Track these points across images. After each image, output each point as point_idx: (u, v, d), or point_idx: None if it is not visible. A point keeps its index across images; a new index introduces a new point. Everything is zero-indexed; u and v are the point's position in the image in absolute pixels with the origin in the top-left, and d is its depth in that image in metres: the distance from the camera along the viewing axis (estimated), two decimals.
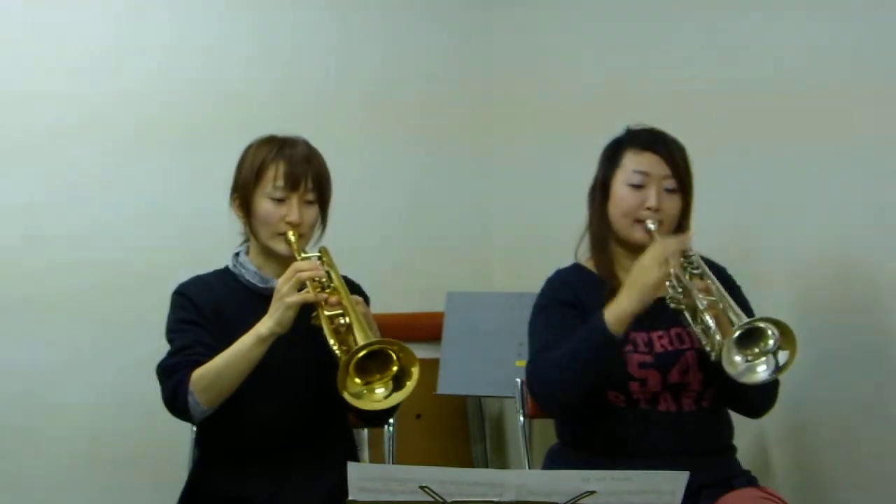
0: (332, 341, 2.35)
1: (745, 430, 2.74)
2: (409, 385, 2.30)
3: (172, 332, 2.57)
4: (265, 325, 2.41)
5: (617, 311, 2.42)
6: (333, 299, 2.41)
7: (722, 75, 3.23)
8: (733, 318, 2.33)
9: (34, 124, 3.30)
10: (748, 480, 2.60)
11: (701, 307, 2.37)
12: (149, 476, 3.34)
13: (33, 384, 3.28)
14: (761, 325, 2.31)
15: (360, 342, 2.27)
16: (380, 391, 2.31)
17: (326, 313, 2.39)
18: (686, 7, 3.38)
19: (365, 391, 2.29)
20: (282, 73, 3.70)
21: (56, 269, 3.32)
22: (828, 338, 2.99)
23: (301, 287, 2.41)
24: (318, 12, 3.79)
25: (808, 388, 2.99)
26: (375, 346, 2.27)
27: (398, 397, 2.31)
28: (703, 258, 2.69)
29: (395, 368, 2.30)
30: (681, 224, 2.63)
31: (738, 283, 2.71)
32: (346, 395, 2.25)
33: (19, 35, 3.30)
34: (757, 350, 2.32)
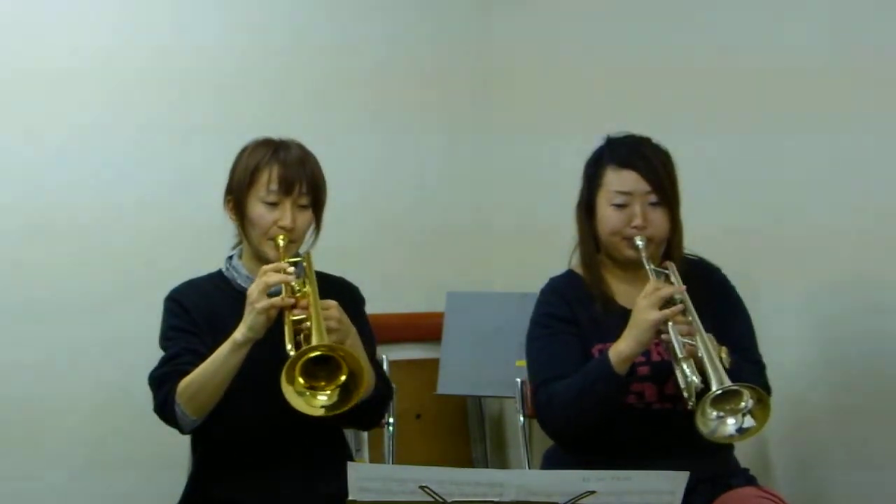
0: (289, 345, 2.35)
1: None
2: (352, 402, 2.30)
3: (164, 339, 2.58)
4: (240, 332, 2.42)
5: (618, 353, 2.44)
6: (303, 303, 2.41)
7: (727, 74, 3.22)
8: (711, 374, 2.32)
9: (32, 126, 3.30)
10: (747, 479, 2.60)
11: (680, 355, 2.38)
12: (149, 479, 3.33)
13: (33, 386, 3.28)
14: (736, 388, 2.31)
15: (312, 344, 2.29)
16: (322, 398, 2.31)
17: (292, 318, 2.40)
18: None
19: (307, 393, 2.30)
20: (278, 67, 3.70)
21: (56, 271, 3.31)
22: (827, 338, 2.99)
23: (275, 292, 2.42)
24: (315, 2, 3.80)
25: (808, 387, 2.99)
26: (323, 351, 2.28)
27: (331, 413, 2.31)
28: (700, 259, 2.70)
29: (343, 378, 2.31)
30: (671, 234, 2.60)
31: (742, 285, 2.70)
32: (287, 391, 2.25)
33: (15, 34, 3.30)
34: (729, 407, 2.33)
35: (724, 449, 2.64)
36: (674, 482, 2.02)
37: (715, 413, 2.32)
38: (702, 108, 3.26)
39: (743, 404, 2.32)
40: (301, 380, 2.28)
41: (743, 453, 2.71)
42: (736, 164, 3.19)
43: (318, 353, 2.28)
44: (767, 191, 3.13)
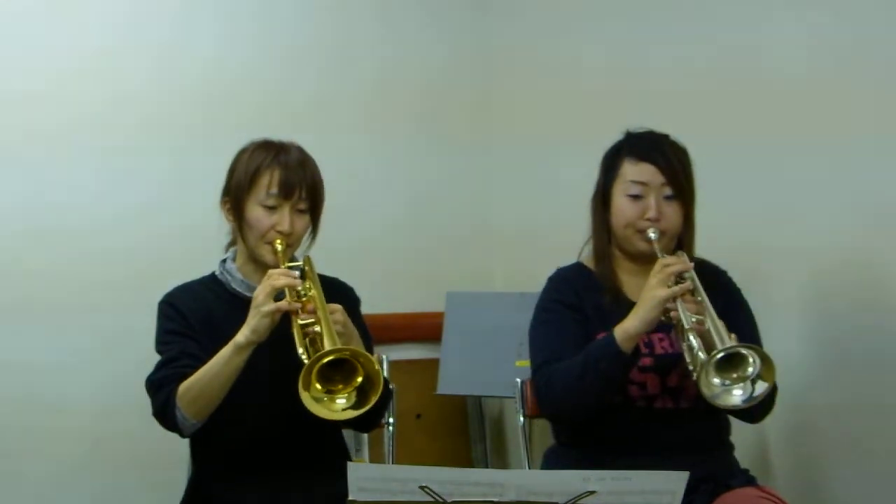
0: (300, 350, 2.35)
1: (744, 429, 2.74)
2: (371, 402, 2.30)
3: (160, 343, 2.58)
4: (242, 334, 2.42)
5: (624, 330, 2.45)
6: (309, 307, 2.41)
7: (726, 75, 3.22)
8: (716, 340, 2.34)
9: (32, 126, 3.30)
10: (747, 480, 2.60)
11: (687, 326, 2.39)
12: (149, 480, 3.33)
13: (33, 386, 3.27)
14: (743, 351, 2.33)
15: (328, 349, 2.28)
16: (340, 401, 2.31)
17: (300, 322, 2.39)
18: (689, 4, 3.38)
19: (325, 398, 2.30)
20: (280, 73, 3.70)
21: (56, 270, 3.31)
22: (829, 337, 2.99)
23: (279, 296, 2.42)
24: (317, 11, 3.79)
25: (808, 388, 2.99)
26: (340, 354, 2.28)
27: (353, 413, 2.31)
28: (704, 260, 2.71)
29: (359, 380, 2.31)
30: (684, 230, 2.63)
31: (743, 283, 2.71)
32: (304, 398, 2.25)
33: (13, 35, 3.30)
34: (736, 375, 2.35)
35: (724, 449, 2.65)
36: (674, 482, 2.02)
37: (719, 380, 2.33)
38: (703, 109, 3.26)
39: (750, 370, 2.34)
40: (318, 385, 2.28)
41: (743, 453, 2.72)
42: (737, 161, 3.19)
43: (334, 357, 2.27)
44: (768, 187, 3.13)
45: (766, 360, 2.33)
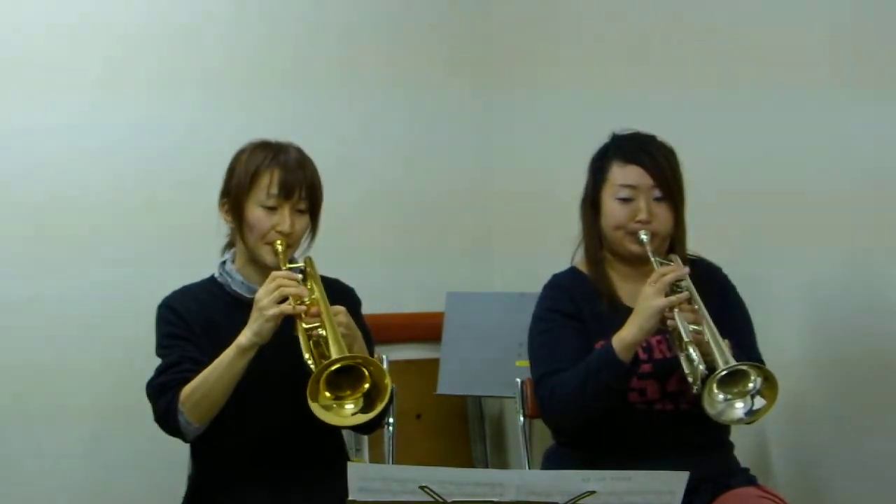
0: (306, 355, 2.35)
1: (745, 429, 2.73)
2: (379, 406, 2.30)
3: (160, 347, 2.57)
4: (245, 336, 2.41)
5: (621, 340, 2.45)
6: (313, 310, 2.40)
7: (731, 77, 3.23)
8: (716, 354, 2.34)
9: (33, 124, 3.30)
10: (747, 479, 2.61)
11: (686, 339, 2.39)
12: (149, 481, 3.33)
13: (34, 386, 3.27)
14: (744, 368, 2.33)
15: (335, 356, 2.27)
16: (349, 407, 2.31)
17: (304, 326, 2.39)
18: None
19: (334, 405, 2.29)
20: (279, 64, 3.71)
21: (58, 270, 3.31)
22: (829, 338, 2.99)
23: (282, 300, 2.41)
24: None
25: (808, 387, 2.99)
26: (348, 362, 2.27)
27: (364, 417, 2.30)
28: (700, 259, 2.70)
29: (366, 385, 2.30)
30: (675, 230, 2.62)
31: (743, 284, 2.71)
32: (314, 408, 2.24)
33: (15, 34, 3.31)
34: (737, 390, 2.35)
35: (724, 449, 2.65)
36: (674, 482, 2.02)
37: (722, 395, 2.34)
38: (702, 107, 3.26)
39: (751, 385, 2.34)
40: (327, 393, 2.27)
41: (743, 453, 2.72)
42: (739, 161, 3.19)
43: (341, 364, 2.26)
44: (769, 189, 3.13)
45: (769, 379, 2.33)
